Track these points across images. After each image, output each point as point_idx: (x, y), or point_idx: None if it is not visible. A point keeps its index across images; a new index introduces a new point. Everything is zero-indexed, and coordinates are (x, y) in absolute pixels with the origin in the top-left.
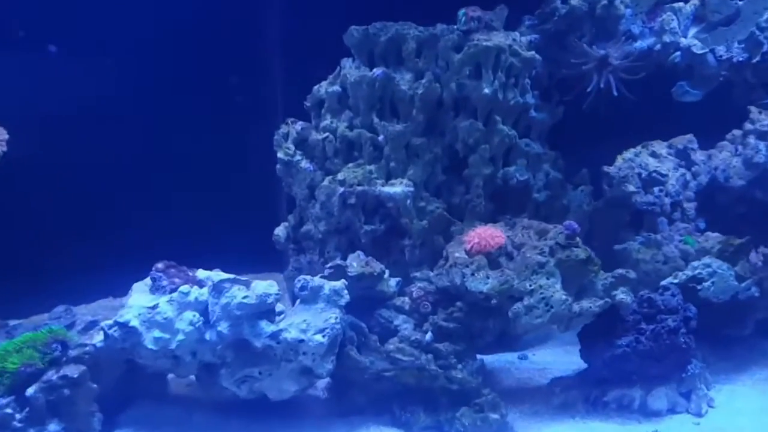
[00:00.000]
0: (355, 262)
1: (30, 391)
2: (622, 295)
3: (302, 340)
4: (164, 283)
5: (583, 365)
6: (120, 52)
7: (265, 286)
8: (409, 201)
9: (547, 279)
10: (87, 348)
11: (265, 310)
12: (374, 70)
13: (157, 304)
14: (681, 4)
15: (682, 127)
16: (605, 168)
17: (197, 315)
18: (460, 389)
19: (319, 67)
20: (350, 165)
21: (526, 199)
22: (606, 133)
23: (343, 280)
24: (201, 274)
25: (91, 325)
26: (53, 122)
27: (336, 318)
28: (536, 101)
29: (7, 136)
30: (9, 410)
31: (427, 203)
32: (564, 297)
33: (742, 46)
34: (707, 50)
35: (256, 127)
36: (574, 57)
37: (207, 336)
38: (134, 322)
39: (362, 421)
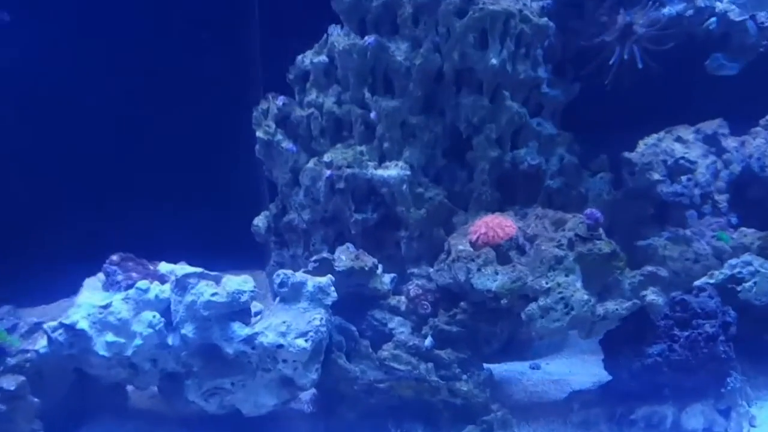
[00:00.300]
0: (344, 255)
1: None
2: (652, 295)
3: (281, 346)
4: (119, 278)
5: (606, 377)
6: (77, 26)
7: (238, 282)
8: (405, 186)
9: (566, 276)
10: (28, 355)
11: (239, 310)
12: (366, 37)
13: (111, 302)
14: None
15: (716, 107)
16: (626, 154)
17: (158, 316)
18: (465, 404)
19: (304, 34)
20: (338, 146)
21: (537, 186)
22: (628, 114)
23: (329, 276)
24: (163, 267)
25: (36, 328)
26: None
27: (321, 319)
28: (549, 76)
29: None
30: None
31: (426, 189)
32: (586, 297)
33: None
34: (746, 17)
35: (232, 103)
36: (593, 25)
37: (169, 340)
38: (83, 324)
39: None
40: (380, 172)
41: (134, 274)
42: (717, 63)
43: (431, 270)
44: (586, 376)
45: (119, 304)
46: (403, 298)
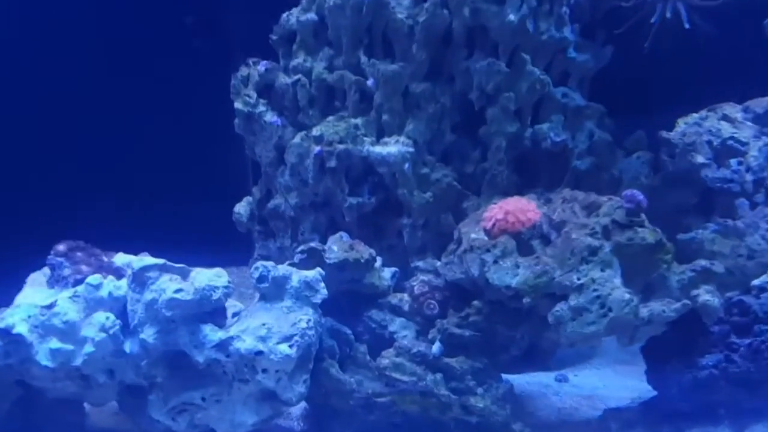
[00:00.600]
0: (336, 245)
1: None
2: (706, 295)
3: (261, 352)
4: (66, 272)
5: (646, 392)
6: None
7: (208, 276)
8: (407, 165)
9: (602, 271)
10: None
11: (210, 311)
12: None
13: (55, 301)
14: None
15: None
16: (664, 133)
17: (112, 317)
18: (482, 422)
19: None
20: (330, 118)
21: (562, 167)
22: (670, 84)
23: (318, 269)
24: (119, 259)
25: None
26: None
27: (308, 321)
28: (577, 38)
29: None
30: None
31: (432, 170)
32: (627, 296)
33: None
34: None
35: (206, 69)
36: None
37: (126, 347)
38: (21, 328)
39: None
40: (378, 148)
41: (84, 267)
42: None
43: (439, 263)
44: (623, 390)
45: (66, 303)
46: (406, 296)
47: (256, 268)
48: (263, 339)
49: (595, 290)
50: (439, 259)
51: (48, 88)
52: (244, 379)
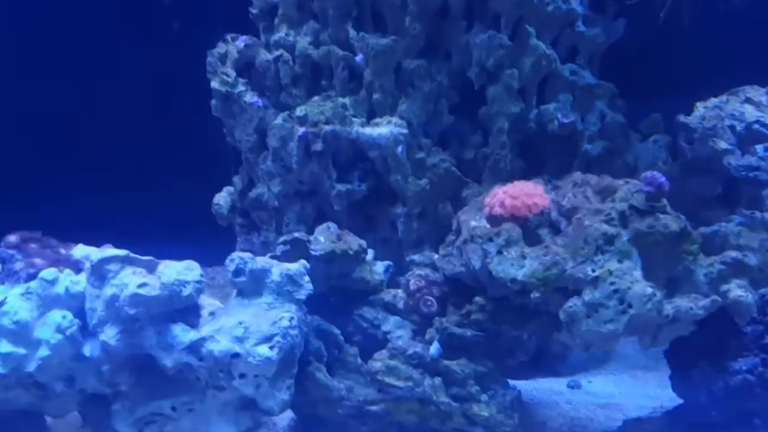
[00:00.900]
0: (322, 236)
1: None
2: (738, 291)
3: (237, 355)
4: (18, 265)
5: (670, 400)
6: None
7: (178, 269)
8: (400, 148)
9: (620, 262)
10: None
11: (182, 309)
12: None
13: (5, 299)
14: None
15: None
16: (682, 117)
17: (69, 316)
18: None
19: None
20: (315, 98)
21: (572, 152)
22: (689, 61)
23: (302, 262)
24: (79, 251)
25: None
26: None
27: (291, 319)
28: (586, 10)
29: None
30: None
31: (428, 154)
32: (649, 290)
33: None
34: None
35: (180, 45)
36: None
37: (86, 350)
38: None
39: None
40: (368, 130)
41: (38, 260)
42: None
43: (437, 256)
44: (643, 398)
45: (17, 301)
46: (400, 292)
47: (232, 260)
48: (240, 340)
49: (612, 284)
50: (437, 252)
51: (13, 66)
52: (219, 385)
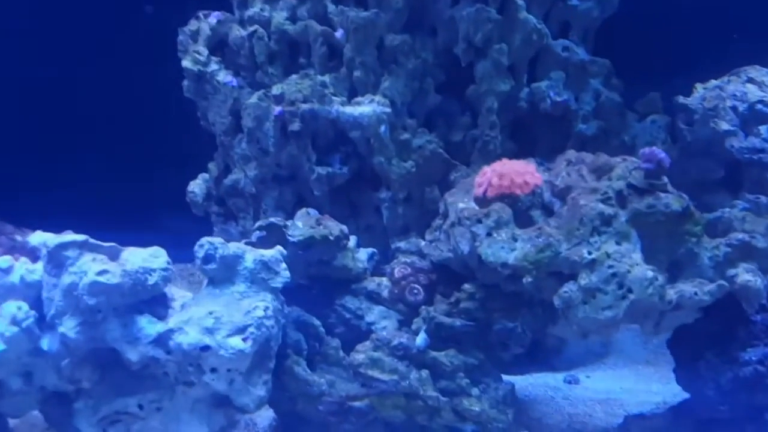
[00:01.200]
0: (301, 221)
1: None
2: (746, 275)
3: (207, 347)
4: None
5: (675, 394)
6: None
7: (143, 256)
8: (383, 128)
9: (618, 244)
10: None
11: (148, 299)
12: None
13: None
14: None
15: None
16: (681, 99)
17: (25, 307)
18: (479, 431)
19: None
20: (293, 76)
21: (565, 132)
22: (690, 36)
23: (278, 248)
24: (36, 238)
25: None
26: None
27: (266, 309)
28: None
29: None
30: None
31: (414, 135)
32: (650, 274)
33: None
34: None
35: (149, 23)
36: None
37: (45, 344)
38: None
39: None
40: (349, 109)
41: None
42: None
43: (423, 242)
44: (646, 393)
45: None
46: (385, 280)
47: (201, 246)
48: (210, 331)
49: (610, 267)
50: (424, 239)
51: None
52: (188, 381)
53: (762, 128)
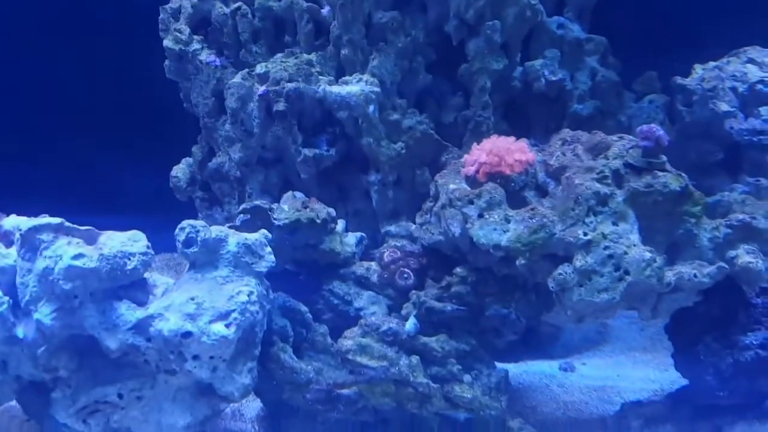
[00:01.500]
0: (287, 204)
1: None
2: (747, 257)
3: (189, 334)
4: None
5: (672, 382)
6: None
7: (121, 240)
8: (372, 108)
9: (615, 224)
10: None
11: (128, 284)
12: None
13: None
14: None
15: None
16: (679, 79)
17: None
18: (471, 419)
19: None
20: (278, 55)
21: (560, 112)
22: (689, 12)
23: (263, 231)
24: (9, 222)
25: None
26: None
27: (250, 294)
28: None
29: None
30: None
31: (404, 116)
32: (648, 255)
33: None
34: None
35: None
36: None
37: (20, 331)
38: None
39: None
40: (336, 88)
41: None
42: None
43: (413, 226)
44: (643, 380)
45: None
46: (374, 264)
47: (182, 229)
48: (192, 317)
49: (606, 248)
50: (415, 223)
51: None
52: (170, 369)
53: (762, 109)
